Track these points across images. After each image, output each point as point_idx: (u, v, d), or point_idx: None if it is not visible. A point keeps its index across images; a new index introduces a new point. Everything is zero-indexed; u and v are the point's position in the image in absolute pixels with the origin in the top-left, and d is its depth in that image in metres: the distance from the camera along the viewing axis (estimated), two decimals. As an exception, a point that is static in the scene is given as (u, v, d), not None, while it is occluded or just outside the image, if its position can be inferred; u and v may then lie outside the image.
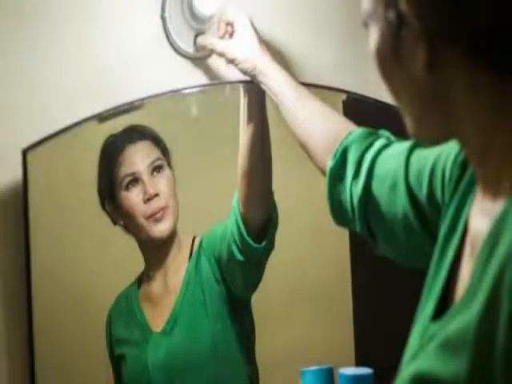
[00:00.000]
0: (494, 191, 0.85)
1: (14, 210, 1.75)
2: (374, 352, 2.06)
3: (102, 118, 1.81)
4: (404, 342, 0.94)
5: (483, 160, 0.86)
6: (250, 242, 1.83)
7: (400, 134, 1.09)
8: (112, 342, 1.94)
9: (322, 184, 1.41)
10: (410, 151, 1.22)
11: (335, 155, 1.38)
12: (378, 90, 0.95)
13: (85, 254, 1.90)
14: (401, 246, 1.26)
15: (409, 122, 0.90)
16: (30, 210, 1.74)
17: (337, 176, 1.37)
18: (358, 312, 2.12)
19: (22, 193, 1.74)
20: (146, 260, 1.95)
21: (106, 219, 1.90)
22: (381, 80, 0.90)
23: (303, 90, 1.61)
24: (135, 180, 1.89)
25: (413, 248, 1.23)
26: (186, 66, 1.89)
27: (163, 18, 1.86)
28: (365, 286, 2.14)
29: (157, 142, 1.93)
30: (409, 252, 1.25)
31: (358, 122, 1.47)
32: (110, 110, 1.81)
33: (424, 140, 0.95)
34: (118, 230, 1.91)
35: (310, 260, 2.12)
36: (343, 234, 1.92)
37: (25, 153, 1.73)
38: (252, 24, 1.77)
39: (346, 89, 2.03)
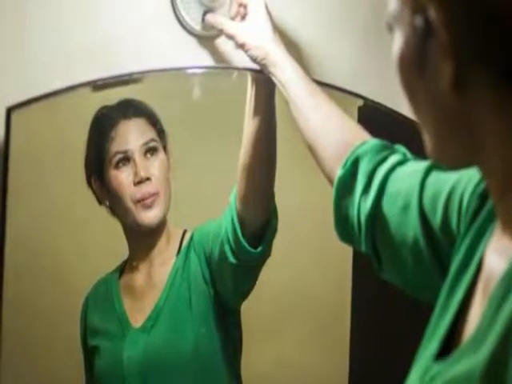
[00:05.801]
0: None
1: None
2: (368, 381, 1.94)
3: (96, 86, 1.68)
4: (401, 374, 0.91)
5: (505, 194, 0.80)
6: (245, 244, 1.66)
7: (416, 150, 1.05)
8: (86, 331, 1.81)
9: (328, 194, 1.31)
10: (427, 172, 1.13)
11: (345, 164, 1.28)
12: (398, 99, 0.86)
13: (64, 231, 1.80)
14: (407, 272, 1.17)
15: (428, 141, 0.84)
16: (9, 173, 1.60)
17: (345, 187, 1.27)
18: (356, 336, 1.98)
19: (3, 153, 1.60)
20: (131, 248, 1.83)
21: (90, 196, 1.79)
22: (401, 90, 0.83)
23: (317, 89, 1.48)
24: (126, 159, 1.78)
25: (419, 276, 1.14)
26: (192, 43, 1.74)
27: (172, -11, 1.73)
28: (366, 310, 2.00)
29: (153, 121, 1.81)
30: (415, 280, 1.16)
31: (373, 131, 1.37)
32: (106, 78, 1.67)
33: (443, 162, 0.88)
34: (102, 210, 1.80)
35: (309, 274, 1.99)
36: (347, 250, 1.74)
37: (9, 111, 1.60)
38: (267, 9, 1.64)
39: (364, 94, 1.88)
